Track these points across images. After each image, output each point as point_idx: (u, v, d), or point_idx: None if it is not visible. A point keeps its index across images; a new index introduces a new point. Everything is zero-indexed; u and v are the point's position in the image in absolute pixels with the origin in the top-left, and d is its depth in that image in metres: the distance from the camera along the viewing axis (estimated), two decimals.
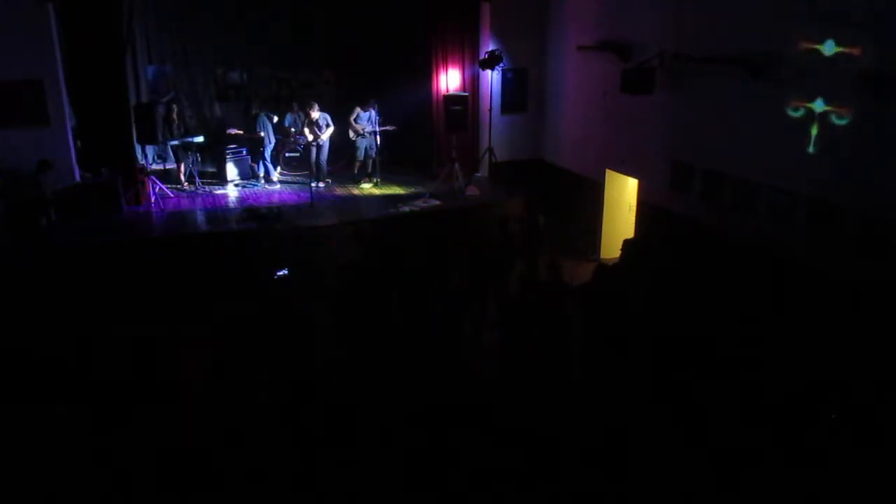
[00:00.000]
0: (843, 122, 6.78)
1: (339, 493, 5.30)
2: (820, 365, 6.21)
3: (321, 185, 12.29)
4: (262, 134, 12.41)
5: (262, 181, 12.68)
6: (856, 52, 6.57)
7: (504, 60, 11.89)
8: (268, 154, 12.70)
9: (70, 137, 10.46)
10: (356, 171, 12.71)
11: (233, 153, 12.62)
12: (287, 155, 13.45)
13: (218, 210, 11.14)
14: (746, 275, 7.68)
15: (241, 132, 12.56)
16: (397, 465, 5.49)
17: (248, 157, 12.74)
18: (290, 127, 12.90)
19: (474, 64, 12.51)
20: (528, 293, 7.57)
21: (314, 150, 12.51)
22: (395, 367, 6.66)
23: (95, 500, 5.31)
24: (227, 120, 13.48)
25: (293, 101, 13.50)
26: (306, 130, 12.42)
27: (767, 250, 7.67)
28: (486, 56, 11.86)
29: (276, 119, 12.69)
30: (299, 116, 12.81)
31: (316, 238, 10.02)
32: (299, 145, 13.01)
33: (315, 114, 12.34)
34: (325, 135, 12.43)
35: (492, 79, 12.34)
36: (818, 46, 6.90)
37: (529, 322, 6.86)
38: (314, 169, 12.56)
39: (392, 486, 5.31)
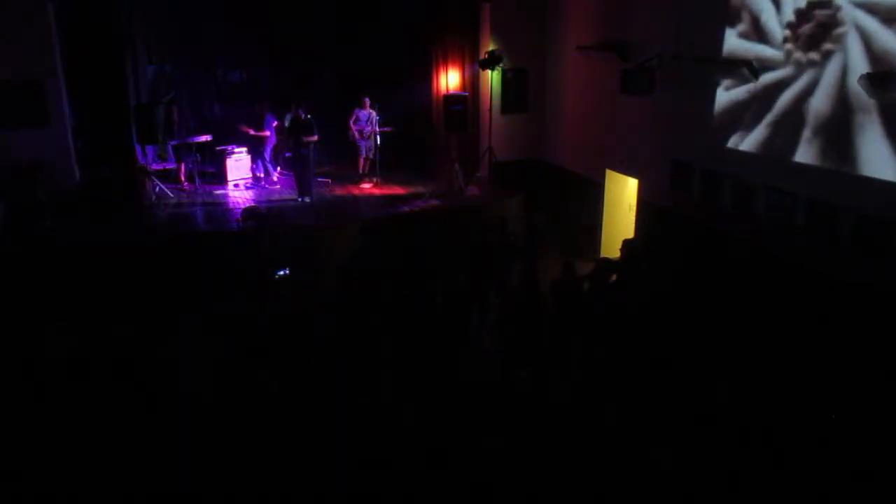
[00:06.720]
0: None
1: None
2: (819, 365, 6.21)
3: (307, 199, 11.50)
4: (269, 132, 12.41)
5: (264, 180, 12.69)
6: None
7: (504, 60, 11.89)
8: (268, 153, 12.70)
9: (70, 137, 10.46)
10: (359, 171, 12.70)
11: (233, 153, 12.62)
12: (287, 155, 13.45)
13: (218, 210, 11.14)
14: (746, 274, 7.69)
15: (250, 130, 12.47)
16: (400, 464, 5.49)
17: (249, 155, 12.75)
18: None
19: (474, 64, 12.51)
20: (528, 293, 7.57)
21: (300, 160, 11.56)
22: (395, 369, 6.66)
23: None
24: (228, 120, 13.47)
25: (293, 101, 13.49)
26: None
27: (767, 250, 7.68)
28: (486, 56, 11.86)
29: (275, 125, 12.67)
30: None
31: (316, 238, 10.03)
32: None
33: (303, 117, 11.56)
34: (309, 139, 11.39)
35: (492, 79, 12.34)
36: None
37: (531, 322, 6.86)
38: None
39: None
